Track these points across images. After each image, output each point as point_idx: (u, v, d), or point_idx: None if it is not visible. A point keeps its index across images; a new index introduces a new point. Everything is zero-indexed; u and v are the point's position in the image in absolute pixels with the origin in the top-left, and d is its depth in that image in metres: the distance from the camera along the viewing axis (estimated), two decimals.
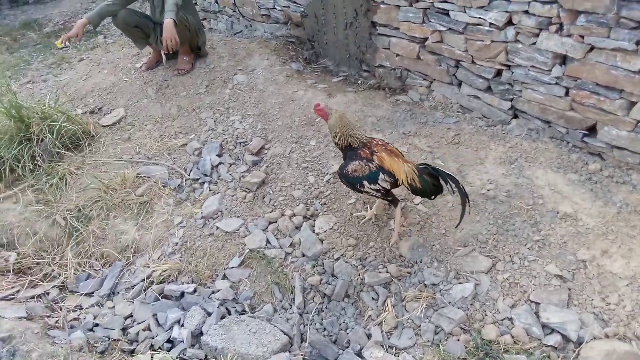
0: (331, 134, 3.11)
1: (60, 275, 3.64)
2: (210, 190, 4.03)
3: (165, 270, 3.46)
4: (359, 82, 5.13)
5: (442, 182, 2.94)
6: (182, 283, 3.41)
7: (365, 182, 2.98)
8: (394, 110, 4.44)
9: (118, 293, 3.50)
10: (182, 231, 3.73)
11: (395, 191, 3.15)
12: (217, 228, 3.66)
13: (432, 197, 3.04)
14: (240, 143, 4.42)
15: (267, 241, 3.45)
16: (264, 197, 3.84)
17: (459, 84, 4.53)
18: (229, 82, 5.21)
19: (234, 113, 4.78)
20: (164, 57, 5.59)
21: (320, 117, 3.18)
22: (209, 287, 3.35)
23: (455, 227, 3.18)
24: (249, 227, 3.61)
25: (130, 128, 4.88)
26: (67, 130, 4.56)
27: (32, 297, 3.46)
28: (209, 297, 3.28)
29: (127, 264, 3.65)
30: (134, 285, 3.49)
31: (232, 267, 3.39)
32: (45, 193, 4.12)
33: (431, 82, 4.77)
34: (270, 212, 3.68)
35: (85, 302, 3.43)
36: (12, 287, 3.50)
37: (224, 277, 3.39)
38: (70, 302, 3.44)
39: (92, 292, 3.52)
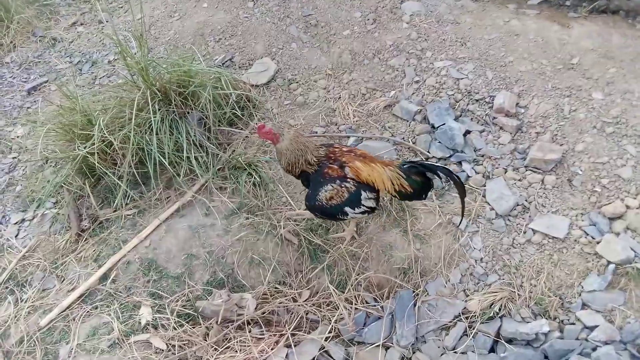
0: (280, 159, 2.23)
1: (324, 318, 2.47)
2: (477, 173, 2.84)
3: (490, 303, 2.37)
4: (567, 4, 3.85)
5: (432, 177, 2.34)
6: (523, 319, 2.34)
7: (348, 209, 2.20)
8: None
9: (424, 339, 2.39)
10: (478, 239, 2.58)
11: None
12: (535, 232, 2.55)
13: (424, 196, 2.38)
14: (477, 100, 3.16)
15: (632, 249, 2.39)
16: (570, 180, 2.71)
17: None
18: (397, 12, 3.78)
19: (436, 57, 3.44)
20: None
21: (269, 140, 2.27)
22: (568, 322, 2.32)
23: (459, 225, 2.59)
24: (583, 227, 2.52)
25: (296, 87, 3.46)
26: (226, 97, 3.12)
27: None
28: (577, 339, 2.25)
29: (415, 294, 2.51)
30: (445, 326, 2.39)
31: (593, 291, 2.34)
32: (246, 196, 2.78)
33: None
34: (596, 201, 2.58)
35: None
36: (275, 346, 2.30)
37: (583, 305, 2.34)
38: None
39: (385, 340, 2.39)
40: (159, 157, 2.72)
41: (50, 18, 4.84)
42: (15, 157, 3.35)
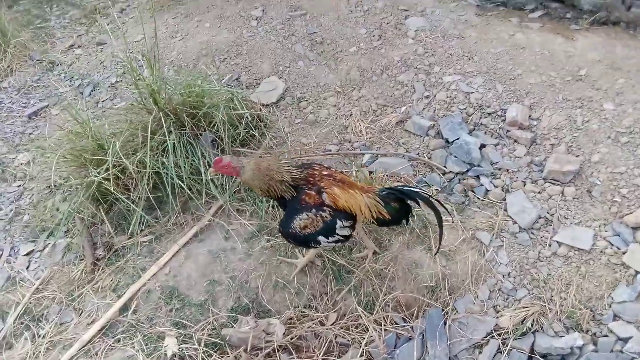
0: (254, 190, 2.22)
1: (354, 341, 2.40)
2: (496, 187, 2.82)
3: (521, 318, 2.34)
4: (567, 16, 3.91)
5: (411, 203, 2.29)
6: (556, 333, 2.31)
7: (322, 238, 2.17)
8: None
9: (457, 358, 2.34)
10: (504, 254, 2.56)
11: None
12: (560, 244, 2.53)
13: (405, 221, 2.39)
14: (489, 114, 3.16)
15: None
16: (590, 191, 2.71)
17: None
18: (402, 28, 3.80)
19: (444, 71, 3.45)
20: None
21: (229, 175, 2.29)
22: (600, 335, 2.29)
23: (435, 254, 2.50)
24: (608, 238, 2.51)
25: (306, 105, 3.43)
26: (238, 117, 3.07)
27: None
28: (612, 351, 2.23)
29: (444, 312, 2.47)
30: (478, 344, 2.34)
31: (623, 302, 2.32)
32: (264, 218, 2.72)
33: None
34: (617, 211, 2.58)
35: None
36: None
37: (614, 317, 2.32)
38: None
39: None
40: (176, 180, 2.64)
41: (47, 41, 4.75)
42: (20, 185, 3.24)
